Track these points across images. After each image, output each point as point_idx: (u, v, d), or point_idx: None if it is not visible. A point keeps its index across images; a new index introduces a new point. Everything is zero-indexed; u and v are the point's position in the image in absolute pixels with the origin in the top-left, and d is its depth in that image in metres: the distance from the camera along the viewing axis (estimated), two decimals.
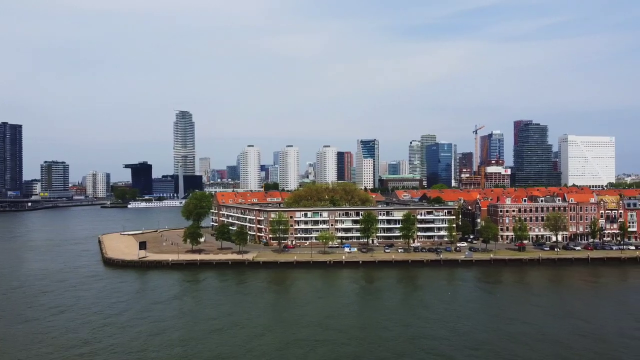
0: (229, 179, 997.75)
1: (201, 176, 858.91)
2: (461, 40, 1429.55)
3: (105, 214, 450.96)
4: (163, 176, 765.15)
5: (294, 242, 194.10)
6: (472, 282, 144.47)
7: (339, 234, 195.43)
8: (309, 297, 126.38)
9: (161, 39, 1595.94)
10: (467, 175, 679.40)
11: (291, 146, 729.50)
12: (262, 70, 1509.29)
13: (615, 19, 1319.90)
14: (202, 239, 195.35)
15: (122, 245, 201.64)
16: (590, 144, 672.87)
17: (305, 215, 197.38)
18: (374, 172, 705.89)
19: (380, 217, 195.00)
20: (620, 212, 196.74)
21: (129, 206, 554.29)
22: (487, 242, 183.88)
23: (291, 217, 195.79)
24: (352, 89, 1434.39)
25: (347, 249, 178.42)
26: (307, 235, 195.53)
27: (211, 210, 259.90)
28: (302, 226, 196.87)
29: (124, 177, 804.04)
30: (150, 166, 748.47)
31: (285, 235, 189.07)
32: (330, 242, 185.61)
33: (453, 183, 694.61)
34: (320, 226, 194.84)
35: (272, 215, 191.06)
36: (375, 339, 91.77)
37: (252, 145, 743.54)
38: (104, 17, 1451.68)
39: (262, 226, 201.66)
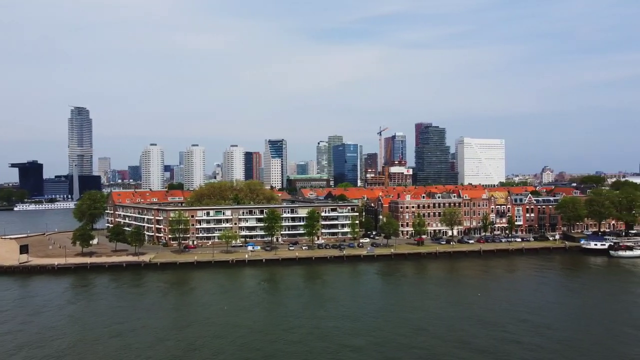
0: (131, 180, 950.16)
1: (99, 176, 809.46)
2: (367, 45, 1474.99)
3: None
4: (56, 176, 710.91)
5: (195, 242, 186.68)
6: (374, 277, 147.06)
7: (243, 233, 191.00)
8: (210, 298, 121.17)
9: (50, 30, 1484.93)
10: (372, 175, 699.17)
11: (196, 145, 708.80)
12: (168, 68, 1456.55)
13: (506, 32, 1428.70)
14: (94, 241, 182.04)
15: (1, 250, 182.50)
16: (484, 146, 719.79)
17: (207, 214, 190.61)
18: (282, 172, 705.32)
19: (284, 215, 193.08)
20: (509, 207, 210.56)
21: (15, 209, 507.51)
22: (389, 237, 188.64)
23: (192, 216, 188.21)
24: (261, 90, 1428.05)
25: (250, 248, 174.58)
26: (210, 235, 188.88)
27: (106, 211, 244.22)
28: (204, 225, 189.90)
29: (11, 177, 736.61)
30: (40, 165, 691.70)
31: (185, 235, 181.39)
32: (233, 241, 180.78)
33: (359, 183, 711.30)
34: (223, 225, 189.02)
35: (172, 215, 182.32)
36: (280, 334, 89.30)
37: (155, 144, 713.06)
38: None
39: (161, 226, 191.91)
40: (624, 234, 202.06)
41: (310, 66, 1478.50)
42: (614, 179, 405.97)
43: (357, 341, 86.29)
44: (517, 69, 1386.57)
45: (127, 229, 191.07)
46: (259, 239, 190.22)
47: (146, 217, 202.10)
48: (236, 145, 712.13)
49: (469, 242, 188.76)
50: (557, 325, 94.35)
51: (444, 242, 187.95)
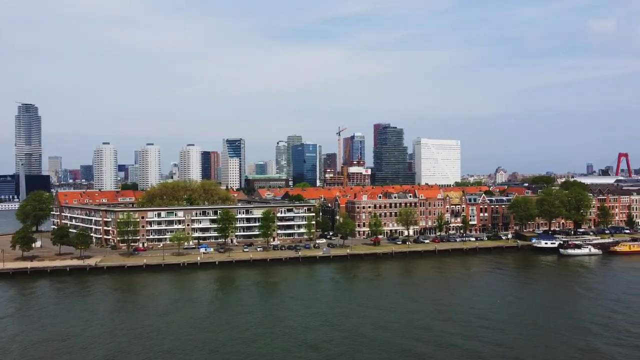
0: (83, 180, 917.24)
1: (49, 176, 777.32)
2: (327, 46, 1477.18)
3: None
4: (1, 176, 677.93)
5: (145, 245, 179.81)
6: (330, 278, 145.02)
7: (196, 234, 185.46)
8: (158, 303, 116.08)
9: None
10: (331, 175, 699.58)
11: (151, 144, 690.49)
12: (124, 65, 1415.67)
13: (462, 35, 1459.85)
14: (37, 244, 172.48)
15: None
16: (440, 147, 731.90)
17: (159, 215, 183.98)
18: (240, 172, 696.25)
19: (239, 216, 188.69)
20: (463, 207, 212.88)
21: None
22: (345, 237, 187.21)
23: (143, 217, 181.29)
24: (220, 89, 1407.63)
25: (202, 250, 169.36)
26: (161, 237, 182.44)
27: (52, 212, 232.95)
28: (155, 227, 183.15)
29: None
30: None
31: (135, 237, 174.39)
32: (185, 243, 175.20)
33: (318, 183, 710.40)
34: (175, 226, 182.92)
35: (120, 216, 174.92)
36: (229, 339, 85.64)
37: (108, 143, 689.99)
38: None
39: (110, 228, 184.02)
40: (572, 232, 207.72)
41: (269, 66, 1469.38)
42: (563, 179, 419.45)
43: (310, 351, 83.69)
44: (472, 72, 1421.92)
45: (74, 230, 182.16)
46: (213, 240, 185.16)
47: (94, 218, 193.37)
48: (193, 145, 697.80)
49: (424, 242, 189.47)
50: (509, 323, 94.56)
51: (400, 242, 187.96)
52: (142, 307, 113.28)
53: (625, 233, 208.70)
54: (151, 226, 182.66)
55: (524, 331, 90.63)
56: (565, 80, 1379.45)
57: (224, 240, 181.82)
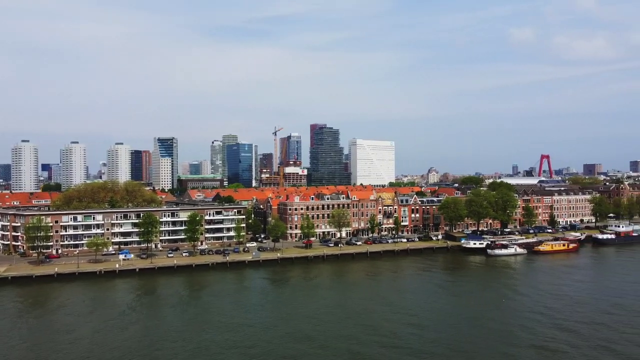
0: (1, 180, 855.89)
1: None
2: (264, 46, 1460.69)
3: None
4: None
5: (60, 251, 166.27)
6: (259, 284, 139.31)
7: (117, 239, 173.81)
8: (66, 318, 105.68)
9: None
10: (267, 175, 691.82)
11: (76, 142, 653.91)
12: (46, 59, 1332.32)
13: (397, 39, 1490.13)
14: None
15: None
16: (375, 147, 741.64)
17: (75, 219, 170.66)
18: (172, 171, 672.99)
19: (164, 219, 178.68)
20: (395, 208, 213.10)
21: None
22: (277, 240, 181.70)
23: (57, 221, 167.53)
24: (153, 86, 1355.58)
25: (122, 256, 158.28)
26: (78, 242, 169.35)
27: None
28: (71, 232, 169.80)
29: None
30: None
31: (47, 244, 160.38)
32: (104, 249, 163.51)
33: (254, 183, 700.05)
34: (94, 231, 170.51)
35: (30, 220, 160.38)
36: (143, 357, 78.01)
37: (28, 141, 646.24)
38: None
39: (19, 234, 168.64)
40: (499, 232, 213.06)
41: (204, 64, 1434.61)
42: (491, 180, 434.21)
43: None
44: (406, 75, 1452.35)
45: None
46: (136, 245, 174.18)
47: (1, 223, 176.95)
48: (122, 143, 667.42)
49: (356, 244, 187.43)
50: (437, 326, 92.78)
51: (332, 245, 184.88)
52: (47, 322, 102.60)
53: (547, 232, 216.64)
54: (66, 231, 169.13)
55: (449, 335, 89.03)
56: (491, 84, 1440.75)
57: (147, 245, 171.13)
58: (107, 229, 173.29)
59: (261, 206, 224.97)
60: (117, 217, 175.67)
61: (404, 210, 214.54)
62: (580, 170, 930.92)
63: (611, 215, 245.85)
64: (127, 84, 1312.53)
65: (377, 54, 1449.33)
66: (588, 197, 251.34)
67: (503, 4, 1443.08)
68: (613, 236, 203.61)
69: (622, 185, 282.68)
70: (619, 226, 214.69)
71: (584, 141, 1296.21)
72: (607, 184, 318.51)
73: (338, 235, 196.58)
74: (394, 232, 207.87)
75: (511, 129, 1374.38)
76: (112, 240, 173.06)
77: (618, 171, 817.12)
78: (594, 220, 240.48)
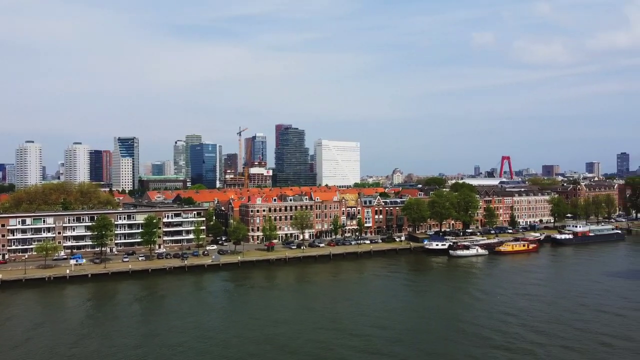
0: None
1: None
2: (228, 45, 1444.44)
3: None
4: None
5: (7, 257, 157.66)
6: (218, 289, 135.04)
7: (69, 243, 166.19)
8: (6, 331, 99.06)
9: None
10: (232, 176, 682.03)
11: (31, 142, 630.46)
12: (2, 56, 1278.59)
13: (362, 41, 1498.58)
14: None
15: None
16: (340, 148, 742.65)
17: (23, 222, 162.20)
18: (133, 172, 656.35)
19: (119, 222, 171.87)
20: (359, 209, 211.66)
21: None
22: (238, 243, 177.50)
23: (3, 225, 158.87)
24: (114, 85, 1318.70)
25: (73, 261, 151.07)
26: (27, 247, 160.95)
27: None
28: (19, 236, 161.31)
29: None
30: None
31: None
32: (55, 254, 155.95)
33: (218, 184, 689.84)
34: (44, 235, 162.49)
35: None
36: None
37: None
38: None
39: None
40: (461, 233, 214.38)
41: (167, 62, 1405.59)
42: (454, 181, 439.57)
43: None
44: (371, 76, 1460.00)
45: None
46: (89, 250, 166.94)
47: None
48: (80, 143, 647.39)
49: (319, 246, 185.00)
50: (400, 328, 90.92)
51: (295, 247, 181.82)
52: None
53: (508, 233, 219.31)
54: (14, 235, 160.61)
55: (412, 337, 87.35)
56: (455, 87, 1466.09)
57: (101, 249, 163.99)
58: (59, 233, 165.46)
59: (223, 208, 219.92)
60: (69, 220, 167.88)
61: (368, 212, 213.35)
62: (539, 171, 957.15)
63: (569, 215, 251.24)
64: (87, 81, 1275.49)
65: (343, 55, 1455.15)
66: (547, 197, 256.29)
67: (465, 9, 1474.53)
68: (571, 236, 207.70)
69: (579, 186, 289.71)
70: (576, 226, 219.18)
71: (543, 143, 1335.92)
72: (565, 184, 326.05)
73: (301, 237, 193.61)
74: (357, 233, 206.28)
75: (474, 130, 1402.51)
76: (64, 245, 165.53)
77: (575, 172, 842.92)
78: (552, 221, 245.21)
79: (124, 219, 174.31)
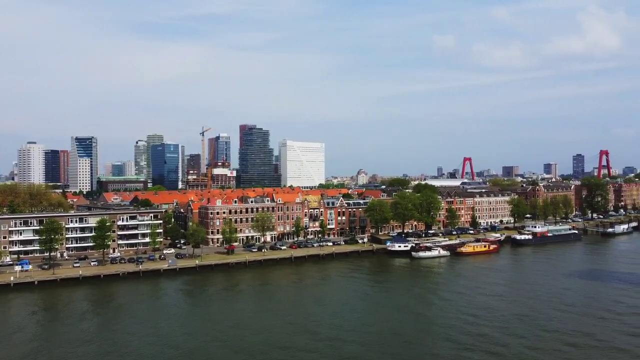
0: None
1: None
2: (191, 44, 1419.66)
3: None
4: None
5: None
6: (175, 296, 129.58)
7: (16, 248, 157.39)
8: None
9: None
10: (195, 176, 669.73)
11: None
12: None
13: (327, 42, 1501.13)
14: None
15: None
16: (305, 149, 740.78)
17: None
18: (91, 173, 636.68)
19: (70, 225, 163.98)
20: (321, 211, 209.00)
21: None
22: (197, 246, 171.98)
23: None
24: (70, 82, 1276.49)
25: (18, 268, 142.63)
26: None
27: None
28: None
29: None
30: None
31: None
32: (0, 260, 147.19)
33: (180, 185, 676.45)
34: None
35: None
36: None
37: None
38: None
39: None
40: (424, 234, 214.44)
41: (129, 60, 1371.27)
42: (417, 181, 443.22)
43: None
44: (336, 77, 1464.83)
45: None
46: (38, 255, 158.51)
47: None
48: (34, 142, 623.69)
49: (281, 249, 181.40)
50: (361, 331, 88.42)
51: (256, 250, 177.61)
52: None
53: (469, 233, 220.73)
54: None
55: (373, 339, 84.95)
56: (419, 89, 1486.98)
57: (49, 254, 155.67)
58: (4, 237, 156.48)
59: (182, 210, 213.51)
60: (15, 223, 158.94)
61: (330, 213, 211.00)
62: (499, 172, 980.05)
63: (528, 216, 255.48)
64: (43, 79, 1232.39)
65: (308, 55, 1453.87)
66: (507, 198, 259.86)
67: (427, 12, 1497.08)
68: (530, 237, 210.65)
69: (537, 187, 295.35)
70: (535, 227, 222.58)
71: (503, 144, 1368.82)
72: (524, 185, 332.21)
73: (262, 239, 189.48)
74: (320, 235, 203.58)
75: (437, 132, 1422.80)
76: (10, 250, 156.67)
77: (533, 173, 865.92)
78: (512, 221, 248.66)
79: (76, 222, 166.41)
